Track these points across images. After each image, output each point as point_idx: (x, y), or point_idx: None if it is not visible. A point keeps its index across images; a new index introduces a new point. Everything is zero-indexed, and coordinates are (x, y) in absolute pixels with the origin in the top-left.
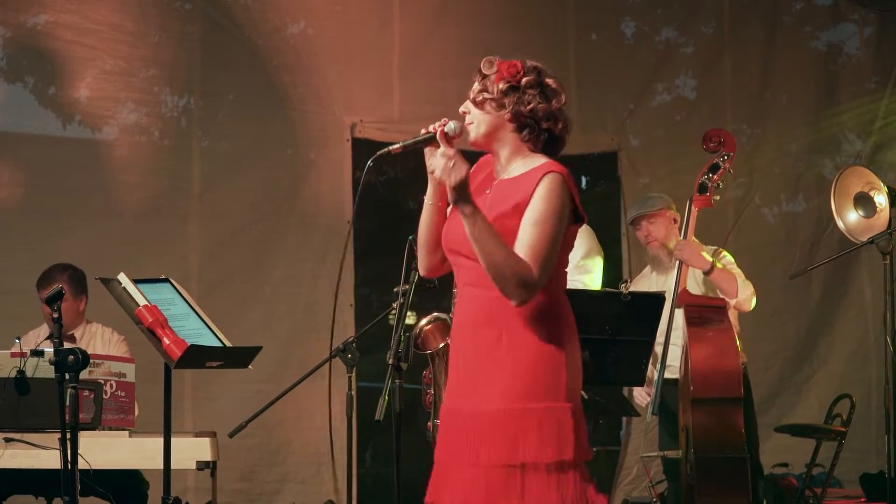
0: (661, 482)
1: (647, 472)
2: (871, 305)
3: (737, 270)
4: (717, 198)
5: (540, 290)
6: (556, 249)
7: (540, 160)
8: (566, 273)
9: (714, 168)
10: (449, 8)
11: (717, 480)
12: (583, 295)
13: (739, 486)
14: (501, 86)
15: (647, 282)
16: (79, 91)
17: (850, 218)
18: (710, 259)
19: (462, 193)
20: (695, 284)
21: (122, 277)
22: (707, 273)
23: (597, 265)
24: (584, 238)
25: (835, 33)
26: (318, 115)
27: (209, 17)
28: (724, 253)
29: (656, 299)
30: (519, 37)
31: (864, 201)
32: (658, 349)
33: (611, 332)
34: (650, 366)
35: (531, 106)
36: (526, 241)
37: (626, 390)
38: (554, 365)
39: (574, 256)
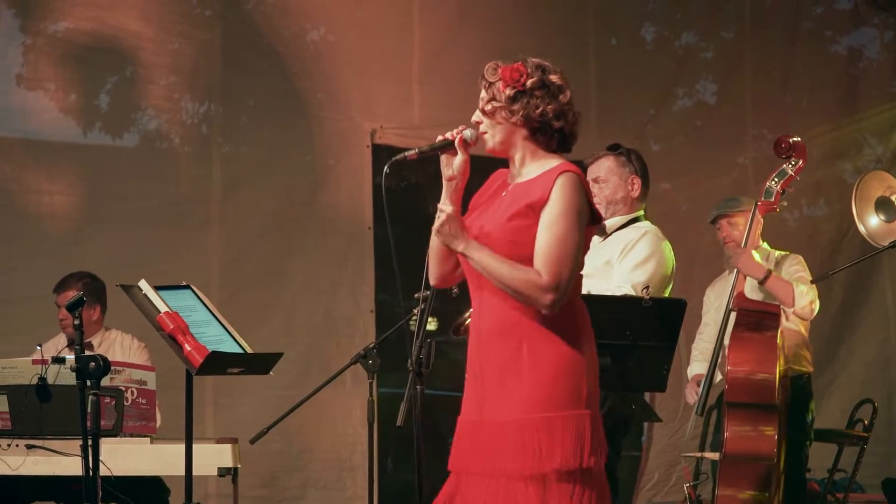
0: (697, 483)
1: (686, 471)
2: (893, 310)
3: (803, 277)
4: (785, 204)
5: (563, 290)
6: (573, 247)
7: (554, 161)
8: (581, 276)
9: (781, 174)
10: (469, 13)
11: (738, 484)
12: (604, 300)
13: (761, 494)
14: (508, 92)
15: (723, 284)
16: (99, 98)
17: (871, 222)
18: (773, 265)
19: (455, 242)
20: (756, 288)
21: (143, 284)
22: (762, 282)
23: (650, 270)
24: (646, 243)
25: (855, 37)
26: (337, 121)
27: (229, 23)
28: (797, 259)
29: (678, 305)
30: (539, 42)
31: (885, 206)
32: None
33: (632, 338)
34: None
35: (540, 109)
36: (539, 246)
37: (647, 395)
38: (575, 372)
39: (632, 260)
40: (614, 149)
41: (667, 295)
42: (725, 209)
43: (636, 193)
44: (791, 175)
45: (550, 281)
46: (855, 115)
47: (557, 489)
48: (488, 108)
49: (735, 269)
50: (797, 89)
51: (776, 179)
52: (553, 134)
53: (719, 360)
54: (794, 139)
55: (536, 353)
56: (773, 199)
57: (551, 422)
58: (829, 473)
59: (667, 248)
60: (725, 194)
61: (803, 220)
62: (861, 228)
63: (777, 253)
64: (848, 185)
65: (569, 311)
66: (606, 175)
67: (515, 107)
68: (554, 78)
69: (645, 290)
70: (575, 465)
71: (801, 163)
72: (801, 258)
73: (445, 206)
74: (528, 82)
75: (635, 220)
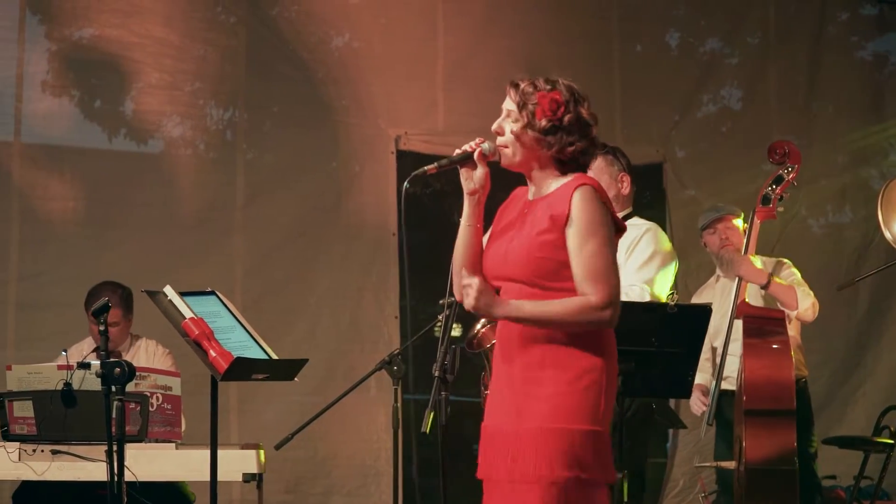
0: (713, 493)
1: (701, 482)
2: None
3: (799, 280)
4: (781, 209)
5: (616, 302)
6: (610, 259)
7: (570, 175)
8: None
9: (778, 180)
10: (493, 20)
11: (765, 492)
12: (629, 306)
13: (788, 499)
14: (544, 123)
15: (710, 292)
16: (124, 104)
17: None
18: (769, 272)
19: (494, 310)
20: (757, 295)
21: (168, 290)
22: (764, 287)
23: (656, 266)
24: (650, 240)
25: (881, 43)
26: (362, 127)
27: (254, 30)
28: (788, 264)
29: (702, 311)
30: (564, 49)
31: None
32: (718, 359)
33: (657, 344)
34: (710, 376)
35: (573, 148)
36: (581, 267)
37: (672, 402)
38: (595, 388)
39: (638, 258)
40: (600, 148)
41: (671, 286)
42: (724, 212)
43: (626, 191)
44: (787, 181)
45: (602, 298)
46: (881, 121)
47: (566, 499)
48: (521, 132)
49: (736, 277)
50: (822, 95)
51: (773, 186)
52: (578, 168)
53: (723, 367)
54: (788, 145)
55: (559, 365)
56: (770, 206)
57: (570, 434)
58: (855, 480)
59: (668, 241)
60: (751, 200)
61: (829, 226)
62: (887, 235)
63: (765, 259)
64: (874, 192)
65: None
66: (596, 175)
67: (550, 139)
68: (584, 112)
69: (670, 297)
70: (587, 477)
71: (796, 167)
72: (791, 263)
73: (472, 281)
74: (566, 119)
75: (628, 216)
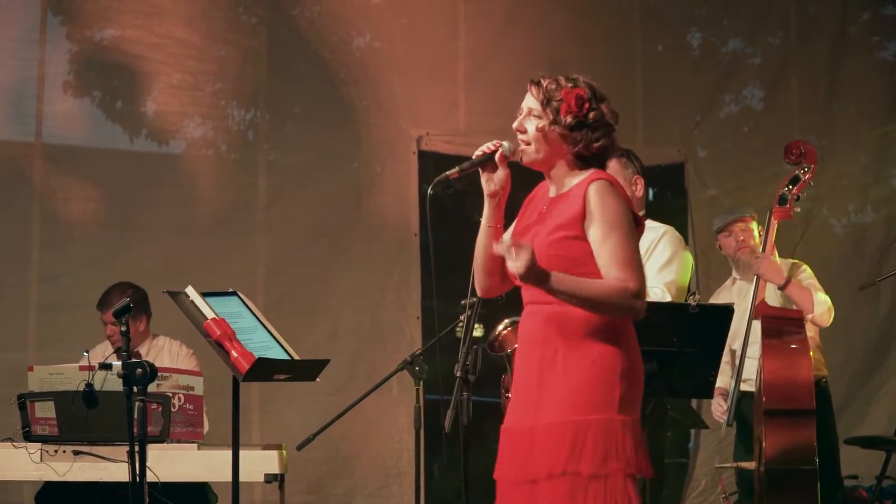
0: (733, 493)
1: (721, 483)
2: None
3: (815, 285)
4: (798, 210)
5: (645, 292)
6: (636, 249)
7: (588, 171)
8: None
9: (794, 180)
10: (515, 20)
11: (785, 492)
12: (651, 307)
13: (808, 499)
14: (569, 120)
15: (727, 294)
16: (146, 105)
17: None
18: (786, 274)
19: (540, 276)
20: (775, 296)
21: (190, 290)
22: (782, 288)
23: (676, 268)
24: (668, 242)
25: None
26: (384, 127)
27: (275, 30)
28: (804, 266)
29: (725, 312)
30: (585, 49)
31: None
32: (737, 361)
33: (679, 345)
34: (729, 379)
35: (599, 143)
36: (609, 256)
37: (694, 402)
38: (608, 376)
39: (658, 261)
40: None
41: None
42: (739, 214)
43: (640, 193)
44: (804, 181)
45: (637, 285)
46: None
47: (584, 492)
48: (546, 128)
49: (753, 280)
50: (844, 95)
51: (789, 186)
52: (599, 165)
53: (742, 370)
54: (804, 145)
55: (570, 358)
56: (787, 206)
57: (580, 425)
58: (877, 480)
59: (684, 243)
60: (772, 200)
61: (850, 226)
62: None
63: (780, 260)
64: (895, 192)
65: (607, 318)
66: None
67: (576, 135)
68: (606, 109)
69: (692, 297)
70: (600, 469)
71: (812, 168)
72: (806, 265)
73: (523, 242)
74: (591, 115)
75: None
